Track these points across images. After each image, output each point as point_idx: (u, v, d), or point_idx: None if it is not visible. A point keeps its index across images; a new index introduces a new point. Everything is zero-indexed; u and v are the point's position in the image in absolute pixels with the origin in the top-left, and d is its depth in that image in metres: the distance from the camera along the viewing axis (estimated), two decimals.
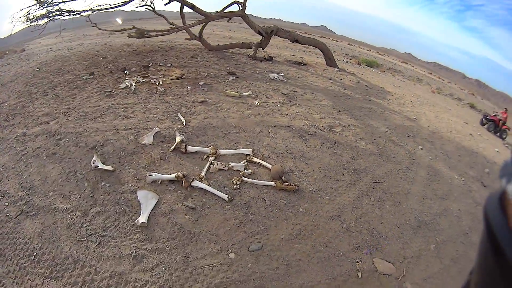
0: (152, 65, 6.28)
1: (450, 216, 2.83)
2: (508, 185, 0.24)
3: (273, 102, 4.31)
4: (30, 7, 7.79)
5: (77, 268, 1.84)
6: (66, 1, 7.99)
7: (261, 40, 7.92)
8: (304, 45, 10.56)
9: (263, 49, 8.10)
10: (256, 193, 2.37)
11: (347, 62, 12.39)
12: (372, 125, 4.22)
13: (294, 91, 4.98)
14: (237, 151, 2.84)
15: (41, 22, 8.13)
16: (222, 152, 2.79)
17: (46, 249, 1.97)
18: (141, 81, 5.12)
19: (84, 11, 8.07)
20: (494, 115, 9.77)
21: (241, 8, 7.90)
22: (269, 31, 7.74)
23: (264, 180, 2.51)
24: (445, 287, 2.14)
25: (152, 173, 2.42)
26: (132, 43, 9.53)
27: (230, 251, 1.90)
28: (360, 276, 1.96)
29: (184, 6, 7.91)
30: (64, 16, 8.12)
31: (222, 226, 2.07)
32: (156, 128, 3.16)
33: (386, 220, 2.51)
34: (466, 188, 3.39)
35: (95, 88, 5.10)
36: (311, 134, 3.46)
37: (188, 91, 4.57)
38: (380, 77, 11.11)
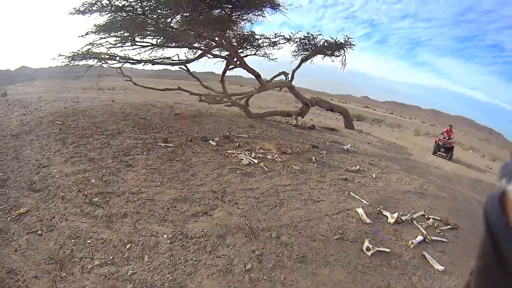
0: (228, 136, 6.51)
1: None
2: (508, 185, 0.24)
3: (377, 173, 6.32)
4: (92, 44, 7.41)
5: None
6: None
7: (301, 109, 9.28)
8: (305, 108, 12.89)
9: (302, 117, 9.48)
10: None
11: (336, 119, 15.06)
12: (434, 180, 6.73)
13: (372, 161, 7.15)
14: (416, 215, 4.59)
15: (80, 63, 7.85)
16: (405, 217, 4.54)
17: None
18: (257, 157, 5.47)
19: (143, 61, 7.97)
20: (446, 139, 10.15)
21: (288, 79, 9.28)
22: (314, 102, 9.34)
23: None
24: None
25: None
26: (149, 102, 9.67)
27: None
28: None
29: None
30: (106, 63, 7.83)
31: None
32: (360, 210, 4.50)
33: None
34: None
35: (207, 162, 4.85)
36: (423, 194, 5.60)
37: (316, 169, 5.58)
38: (379, 131, 13.73)
